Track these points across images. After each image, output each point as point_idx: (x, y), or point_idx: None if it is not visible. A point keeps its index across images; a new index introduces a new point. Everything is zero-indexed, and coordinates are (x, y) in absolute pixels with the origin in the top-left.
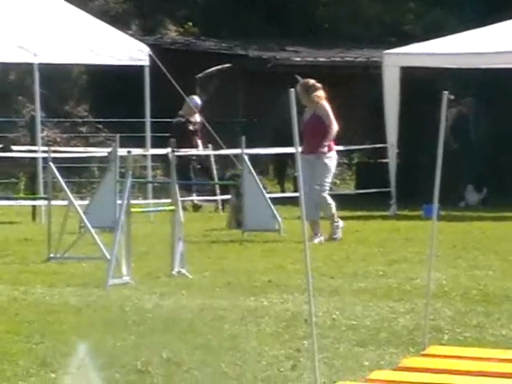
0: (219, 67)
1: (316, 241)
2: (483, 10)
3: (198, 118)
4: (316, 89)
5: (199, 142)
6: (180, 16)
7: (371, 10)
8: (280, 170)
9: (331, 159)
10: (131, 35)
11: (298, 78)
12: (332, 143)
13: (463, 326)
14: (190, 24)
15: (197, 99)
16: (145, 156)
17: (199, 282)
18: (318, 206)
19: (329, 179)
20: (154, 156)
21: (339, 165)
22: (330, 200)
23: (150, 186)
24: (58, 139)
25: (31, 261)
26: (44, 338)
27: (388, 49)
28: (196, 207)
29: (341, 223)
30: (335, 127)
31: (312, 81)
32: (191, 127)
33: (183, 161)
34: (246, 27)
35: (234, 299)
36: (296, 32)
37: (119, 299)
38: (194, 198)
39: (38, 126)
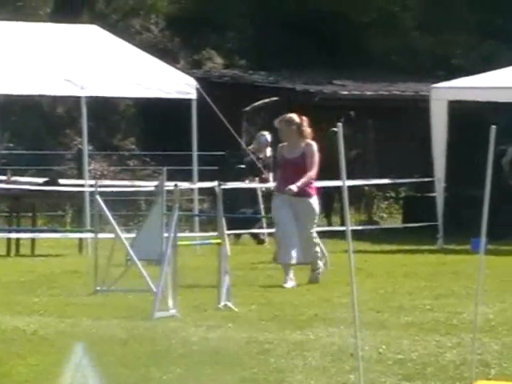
0: (266, 100)
1: (288, 285)
2: None
3: (268, 152)
4: (305, 125)
5: (270, 175)
6: (227, 49)
7: (421, 43)
8: (327, 203)
9: (317, 203)
10: (179, 69)
11: (352, 114)
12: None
13: (510, 361)
14: (238, 57)
15: (267, 136)
16: (192, 189)
17: (245, 315)
18: (306, 251)
19: (315, 224)
20: (200, 189)
21: (386, 198)
22: (318, 248)
23: (196, 218)
24: (105, 172)
25: (78, 293)
26: (90, 370)
27: (436, 82)
28: (260, 241)
29: (321, 269)
30: (316, 170)
31: (296, 115)
32: (261, 163)
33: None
34: (294, 59)
35: (280, 332)
36: (345, 64)
37: (165, 332)
38: (245, 231)
39: (86, 159)
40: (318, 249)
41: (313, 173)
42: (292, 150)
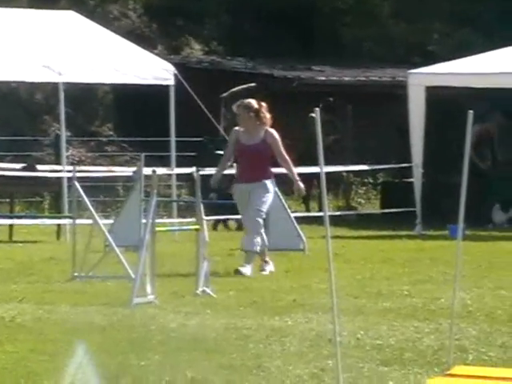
0: (244, 86)
1: (267, 270)
2: (509, 29)
3: None
4: (264, 111)
5: None
6: (205, 35)
7: (396, 30)
8: (305, 189)
9: (272, 186)
10: (157, 55)
11: (330, 100)
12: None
13: (488, 346)
14: (215, 43)
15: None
16: (170, 175)
17: (223, 301)
18: (250, 231)
19: (266, 206)
20: (178, 175)
21: (364, 184)
22: (262, 229)
23: (174, 204)
24: (83, 158)
25: (56, 280)
26: (68, 357)
27: (412, 69)
28: (226, 226)
29: (246, 268)
30: (287, 156)
31: (255, 101)
32: None
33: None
34: (271, 46)
35: (258, 318)
36: (321, 51)
37: (144, 318)
38: (218, 217)
39: (63, 145)
40: (258, 239)
41: (288, 159)
42: (251, 137)
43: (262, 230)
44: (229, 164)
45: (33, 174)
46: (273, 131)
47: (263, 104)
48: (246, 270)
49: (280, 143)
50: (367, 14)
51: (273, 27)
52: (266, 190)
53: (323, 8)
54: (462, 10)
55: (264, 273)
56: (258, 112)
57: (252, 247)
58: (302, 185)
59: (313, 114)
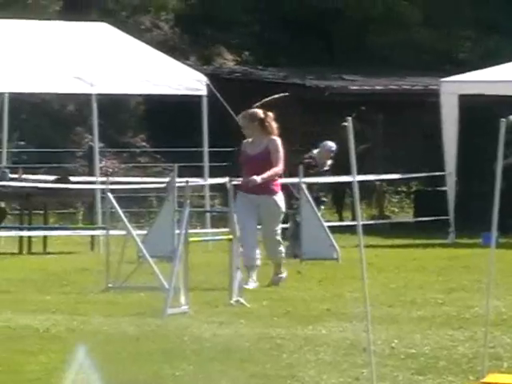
0: (276, 96)
1: (250, 286)
2: None
3: (329, 162)
4: (269, 120)
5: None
6: (237, 45)
7: (424, 38)
8: (338, 198)
9: (282, 200)
10: (189, 65)
11: (363, 109)
12: (278, 183)
13: None
14: (247, 53)
15: (331, 144)
16: (203, 185)
17: (257, 311)
18: (270, 250)
19: (280, 222)
20: (211, 185)
21: (397, 193)
22: (282, 247)
23: (208, 215)
24: (116, 169)
25: (89, 290)
26: (102, 368)
27: (441, 76)
28: None
29: (284, 275)
30: (282, 166)
31: (260, 111)
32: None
33: None
34: (303, 55)
35: (292, 328)
36: (350, 60)
37: (177, 329)
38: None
39: (96, 157)
40: (282, 249)
41: (279, 168)
42: (255, 147)
43: (281, 247)
44: None
45: (66, 185)
46: (276, 138)
47: (269, 114)
48: (251, 285)
49: (280, 151)
50: (395, 22)
51: (301, 36)
52: (278, 208)
53: (351, 16)
54: (490, 17)
55: (280, 279)
56: (262, 121)
57: (251, 262)
58: (257, 179)
59: (345, 123)
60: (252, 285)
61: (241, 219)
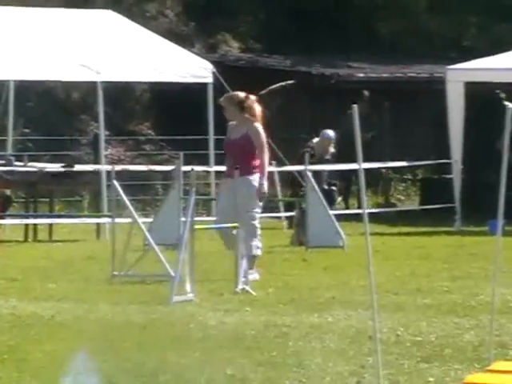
0: (282, 84)
1: (250, 277)
2: None
3: (332, 149)
4: (250, 103)
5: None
6: (243, 33)
7: (432, 25)
8: (345, 186)
9: (256, 181)
10: (195, 53)
11: (365, 92)
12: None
13: None
14: (252, 41)
15: (329, 133)
16: (208, 173)
17: (263, 298)
18: (248, 236)
19: (257, 206)
20: (217, 173)
21: (404, 181)
22: (258, 241)
23: (213, 202)
24: (122, 157)
25: (95, 278)
26: (108, 355)
27: (449, 64)
28: None
29: (255, 276)
30: (267, 153)
31: (243, 93)
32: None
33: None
34: (309, 43)
35: (297, 316)
36: (356, 47)
37: (183, 316)
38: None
39: (102, 144)
40: (257, 242)
41: (265, 159)
42: (236, 131)
43: (259, 233)
44: None
45: (72, 172)
46: (256, 125)
47: (251, 96)
48: (253, 276)
49: (261, 137)
50: (403, 9)
51: (307, 23)
52: (252, 187)
53: (359, 3)
54: (498, 4)
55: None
56: (242, 104)
57: (252, 252)
58: (265, 189)
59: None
60: (252, 276)
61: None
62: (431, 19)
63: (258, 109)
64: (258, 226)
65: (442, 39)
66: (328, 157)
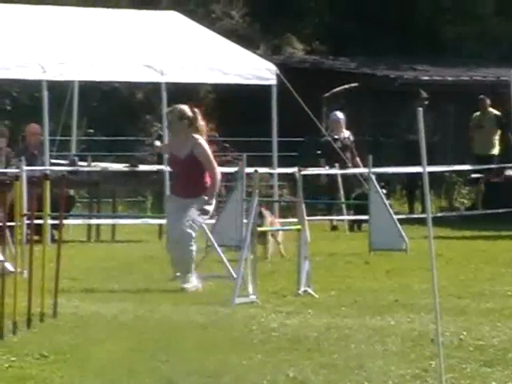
0: (346, 86)
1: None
2: None
3: (346, 133)
4: (200, 119)
5: (355, 157)
6: (308, 35)
7: (498, 28)
8: (409, 189)
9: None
10: (259, 55)
11: (422, 92)
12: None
13: None
14: (317, 43)
15: (338, 114)
16: (271, 175)
17: (325, 301)
18: (179, 242)
19: (201, 220)
20: (280, 175)
21: (466, 184)
22: (193, 243)
23: (276, 204)
24: None
25: (157, 279)
26: (169, 356)
27: None
28: (334, 228)
29: (190, 285)
30: (217, 168)
31: (189, 109)
32: (339, 144)
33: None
34: (373, 46)
35: (360, 318)
36: (421, 50)
37: (245, 318)
38: (329, 218)
39: None
40: (193, 249)
41: (217, 175)
42: (182, 148)
43: (193, 242)
44: None
45: (135, 173)
46: (201, 142)
47: (197, 110)
48: (189, 284)
49: (208, 154)
50: (468, 12)
51: (372, 26)
52: (200, 204)
53: (424, 6)
54: None
55: (186, 286)
56: (192, 120)
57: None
58: (210, 208)
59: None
60: (188, 285)
61: (170, 221)
62: (497, 22)
63: (202, 123)
64: (192, 235)
65: (508, 42)
66: (336, 136)
